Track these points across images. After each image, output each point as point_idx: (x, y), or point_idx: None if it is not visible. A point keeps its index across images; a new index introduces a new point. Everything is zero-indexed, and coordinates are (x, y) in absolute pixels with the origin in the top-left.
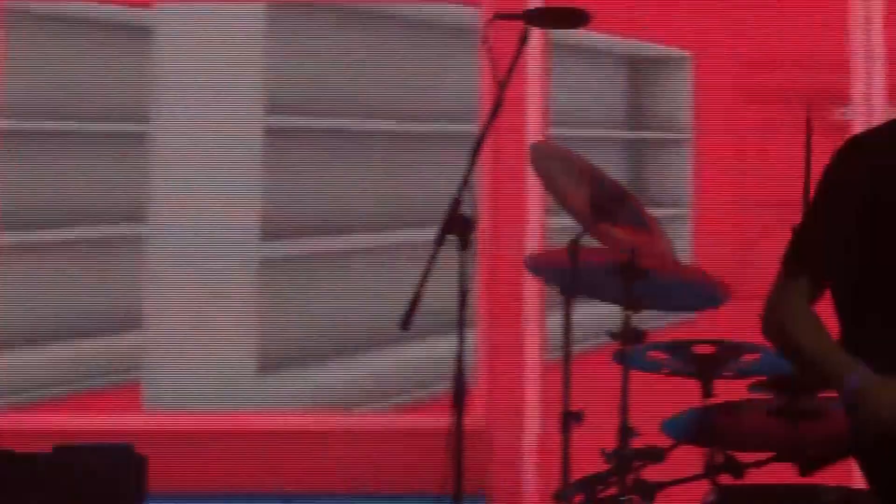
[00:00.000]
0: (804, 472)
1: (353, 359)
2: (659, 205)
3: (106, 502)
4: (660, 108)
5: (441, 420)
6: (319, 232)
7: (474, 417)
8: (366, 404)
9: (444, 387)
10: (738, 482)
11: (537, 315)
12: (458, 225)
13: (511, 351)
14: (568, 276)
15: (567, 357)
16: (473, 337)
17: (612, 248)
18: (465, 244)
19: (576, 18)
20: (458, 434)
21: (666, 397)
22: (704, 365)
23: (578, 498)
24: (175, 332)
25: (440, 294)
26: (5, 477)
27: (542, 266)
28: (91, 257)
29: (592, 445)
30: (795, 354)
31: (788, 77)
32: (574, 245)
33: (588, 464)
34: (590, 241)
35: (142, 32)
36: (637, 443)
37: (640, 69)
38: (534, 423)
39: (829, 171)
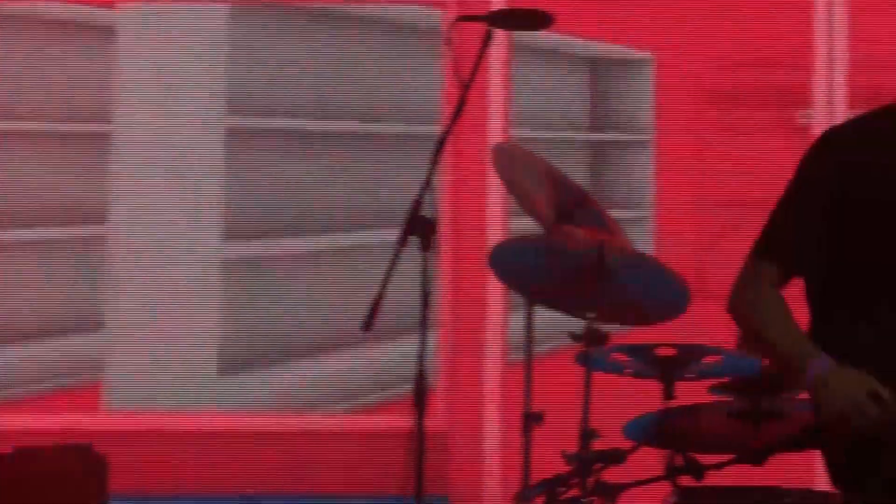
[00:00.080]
0: (756, 460)
1: (314, 360)
2: (620, 206)
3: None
4: (621, 109)
5: (402, 421)
6: (281, 233)
7: (435, 419)
8: (327, 405)
9: (406, 388)
10: (699, 484)
11: (499, 316)
12: (419, 226)
13: (473, 352)
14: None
15: (529, 359)
16: (435, 338)
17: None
18: (426, 245)
19: (539, 20)
20: (419, 435)
21: (627, 399)
22: (666, 367)
23: (539, 500)
24: (136, 333)
25: (402, 295)
26: None
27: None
28: (53, 257)
29: (554, 447)
30: (759, 338)
31: (750, 79)
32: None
33: (549, 465)
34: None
35: (104, 33)
36: (598, 445)
37: (602, 71)
38: (495, 425)
39: (802, 165)
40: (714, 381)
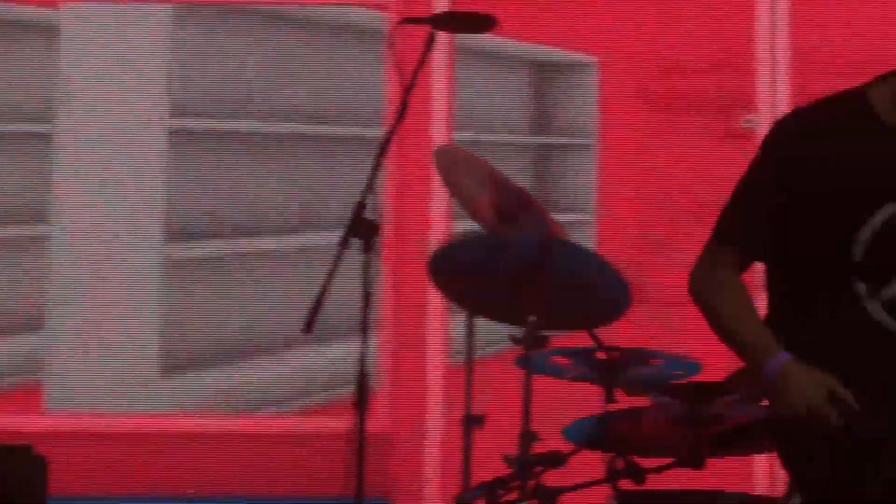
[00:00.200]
0: (696, 463)
1: (256, 361)
2: (563, 210)
3: None
4: (565, 112)
5: (343, 423)
6: (224, 234)
7: (377, 420)
8: (268, 407)
9: (348, 389)
10: (639, 487)
11: (441, 319)
12: (362, 228)
13: (414, 354)
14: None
15: (470, 361)
16: (377, 340)
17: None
18: (369, 247)
19: (482, 23)
20: (360, 437)
21: (568, 403)
22: (607, 371)
23: (479, 502)
24: (77, 333)
25: (344, 297)
26: None
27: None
28: None
29: (495, 450)
30: (718, 326)
31: (693, 83)
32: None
33: (490, 468)
34: None
35: (47, 32)
36: (539, 447)
37: (545, 74)
38: (436, 427)
39: (763, 150)
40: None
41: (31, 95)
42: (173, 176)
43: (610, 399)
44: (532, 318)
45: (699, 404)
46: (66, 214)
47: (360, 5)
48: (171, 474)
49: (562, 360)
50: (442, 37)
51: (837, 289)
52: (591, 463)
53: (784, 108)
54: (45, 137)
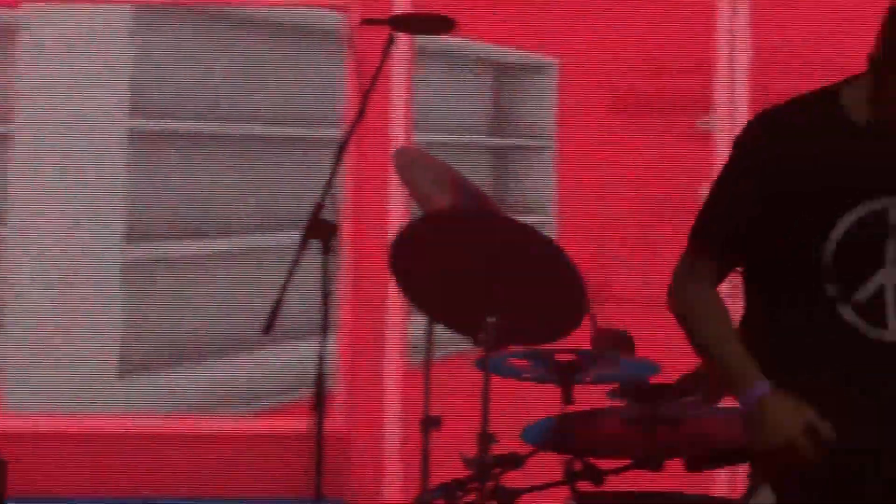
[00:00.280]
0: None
1: (215, 362)
2: (522, 211)
3: None
4: (524, 114)
5: (302, 424)
6: (183, 235)
7: (335, 421)
8: (227, 408)
9: (307, 391)
10: (597, 489)
11: (399, 320)
12: (320, 229)
13: (373, 355)
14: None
15: (428, 363)
16: (335, 341)
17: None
18: (327, 249)
19: (441, 24)
20: (318, 438)
21: (526, 404)
22: (564, 372)
23: (438, 503)
24: (36, 334)
25: (303, 298)
26: None
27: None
28: None
29: (453, 451)
30: (698, 345)
31: (652, 85)
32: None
33: (449, 469)
34: None
35: (7, 32)
36: (497, 449)
37: (505, 75)
38: (394, 428)
39: (736, 152)
40: (612, 387)
41: None
42: (133, 177)
43: (568, 401)
44: (491, 320)
45: (657, 406)
46: (24, 215)
47: (320, 7)
48: (130, 475)
49: (520, 362)
50: (401, 38)
51: (810, 292)
52: (549, 464)
53: (743, 108)
54: (4, 138)
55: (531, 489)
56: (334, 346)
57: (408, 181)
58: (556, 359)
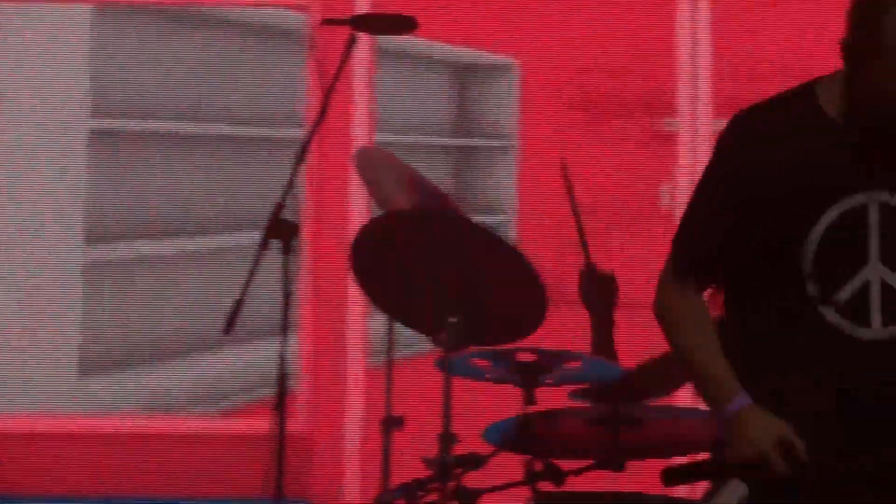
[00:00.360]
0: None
1: (175, 362)
2: (483, 212)
3: None
4: (486, 114)
5: (263, 424)
6: (144, 235)
7: (296, 422)
8: (189, 408)
9: (267, 391)
10: (559, 489)
11: (360, 320)
12: (281, 229)
13: (334, 355)
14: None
15: (389, 363)
16: (296, 341)
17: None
18: (288, 248)
19: (403, 24)
20: (280, 438)
21: (488, 404)
22: (526, 372)
23: (399, 503)
24: None
25: (264, 298)
26: None
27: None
28: None
29: (414, 451)
30: (681, 356)
31: (614, 86)
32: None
33: (410, 469)
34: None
35: None
36: (458, 449)
37: (466, 76)
38: (356, 428)
39: (715, 156)
40: (574, 387)
41: None
42: (94, 177)
43: (529, 401)
44: (452, 320)
45: (618, 406)
46: None
47: (281, 7)
48: (91, 475)
49: (481, 362)
50: (363, 38)
51: (791, 292)
52: (510, 465)
53: (705, 110)
54: None
55: (492, 489)
56: (295, 346)
57: (369, 181)
58: (518, 359)
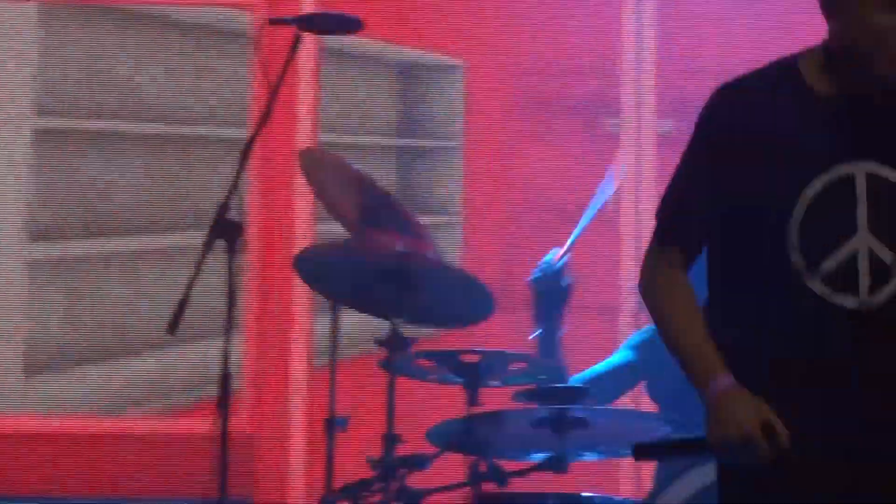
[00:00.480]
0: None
1: (120, 362)
2: (429, 212)
3: None
4: (431, 115)
5: (207, 424)
6: (89, 234)
7: (240, 421)
8: (133, 408)
9: (211, 391)
10: (502, 490)
11: (305, 320)
12: (226, 229)
13: (278, 356)
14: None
15: (333, 363)
16: (240, 341)
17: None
18: (233, 248)
19: (348, 25)
20: (223, 438)
21: (432, 405)
22: (471, 373)
23: None
24: None
25: (208, 298)
26: None
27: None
28: None
29: (359, 452)
30: (664, 338)
31: (559, 86)
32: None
33: (355, 470)
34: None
35: None
36: (402, 450)
37: (411, 77)
38: (300, 429)
39: (698, 128)
40: (518, 388)
41: None
42: (38, 175)
43: (473, 402)
44: (397, 320)
45: (563, 407)
46: None
47: (226, 6)
48: (35, 475)
49: (425, 363)
50: (308, 38)
51: (776, 264)
52: (454, 465)
53: (649, 111)
54: None
55: (436, 490)
56: (240, 346)
57: (313, 182)
58: (462, 359)
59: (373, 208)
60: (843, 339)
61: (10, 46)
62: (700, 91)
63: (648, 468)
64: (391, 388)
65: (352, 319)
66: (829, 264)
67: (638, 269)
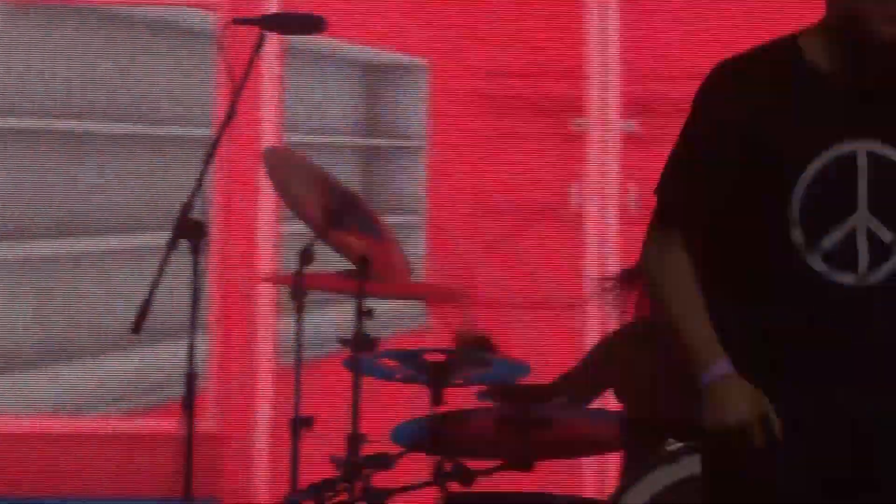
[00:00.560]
0: (524, 466)
1: (84, 362)
2: (394, 212)
3: None
4: (395, 115)
5: (172, 424)
6: (50, 234)
7: (205, 421)
8: (98, 408)
9: (177, 391)
10: (467, 490)
11: (270, 320)
12: (190, 229)
13: (243, 355)
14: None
15: (298, 362)
16: (205, 341)
17: (344, 257)
18: (197, 249)
19: (312, 24)
20: (188, 438)
21: (397, 404)
22: (435, 373)
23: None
24: None
25: (172, 298)
26: None
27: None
28: None
29: (324, 451)
30: (664, 316)
31: (524, 86)
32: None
33: (319, 470)
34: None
35: None
36: (367, 449)
37: (375, 76)
38: (265, 428)
39: (697, 106)
40: (482, 388)
41: None
42: (6, 175)
43: (437, 401)
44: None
45: (527, 406)
46: None
47: (190, 6)
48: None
49: (390, 363)
50: (272, 38)
51: (776, 241)
52: (420, 465)
53: (614, 111)
54: None
55: (401, 490)
56: (205, 345)
57: (278, 181)
58: (426, 359)
59: (337, 208)
60: (841, 316)
61: None
62: (665, 90)
63: (615, 467)
64: (356, 387)
65: (317, 319)
66: (829, 242)
67: (601, 265)
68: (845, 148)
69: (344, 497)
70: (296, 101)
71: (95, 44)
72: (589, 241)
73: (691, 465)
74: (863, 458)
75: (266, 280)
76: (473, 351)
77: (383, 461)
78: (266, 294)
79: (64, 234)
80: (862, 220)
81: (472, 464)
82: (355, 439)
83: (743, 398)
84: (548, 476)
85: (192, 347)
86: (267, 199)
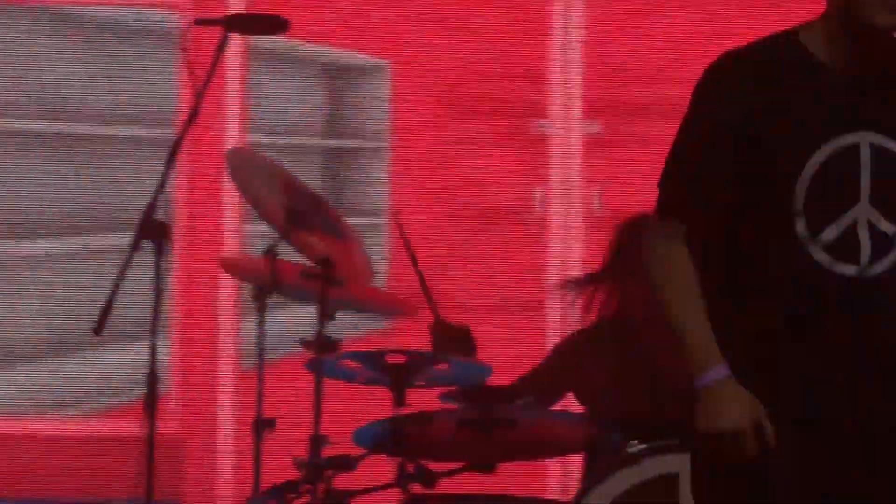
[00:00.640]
0: (487, 468)
1: (46, 363)
2: (356, 213)
3: None
4: (358, 116)
5: (134, 425)
6: (16, 235)
7: (167, 423)
8: (60, 410)
9: (138, 392)
10: (430, 491)
11: (232, 321)
12: (153, 230)
13: (205, 357)
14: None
15: (261, 364)
16: (167, 343)
17: (307, 257)
18: (159, 249)
19: (275, 25)
20: (150, 440)
21: (359, 406)
22: (397, 374)
23: None
24: None
25: (135, 299)
26: None
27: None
28: None
29: (287, 453)
30: (664, 313)
31: (487, 89)
32: (270, 253)
33: (282, 471)
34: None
35: None
36: (329, 451)
37: (338, 77)
38: (228, 430)
39: (698, 98)
40: (444, 389)
41: None
42: None
43: (399, 403)
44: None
45: (489, 408)
46: None
47: (153, 6)
48: None
49: (352, 364)
50: (235, 39)
51: (779, 233)
52: (382, 467)
53: (576, 114)
54: None
55: (363, 491)
56: (167, 347)
57: (241, 182)
58: (388, 361)
59: (300, 209)
60: (842, 308)
61: None
62: (629, 91)
63: (578, 468)
64: (318, 389)
65: (279, 321)
66: (830, 233)
67: (564, 268)
68: (848, 140)
69: (306, 499)
70: (259, 101)
71: (58, 45)
72: (552, 243)
73: (654, 467)
74: (862, 448)
75: (231, 268)
76: (452, 341)
77: (345, 463)
78: (228, 295)
79: (22, 236)
80: (863, 211)
81: (435, 465)
82: (317, 441)
83: (737, 404)
84: (511, 477)
85: (153, 348)
86: (230, 199)
